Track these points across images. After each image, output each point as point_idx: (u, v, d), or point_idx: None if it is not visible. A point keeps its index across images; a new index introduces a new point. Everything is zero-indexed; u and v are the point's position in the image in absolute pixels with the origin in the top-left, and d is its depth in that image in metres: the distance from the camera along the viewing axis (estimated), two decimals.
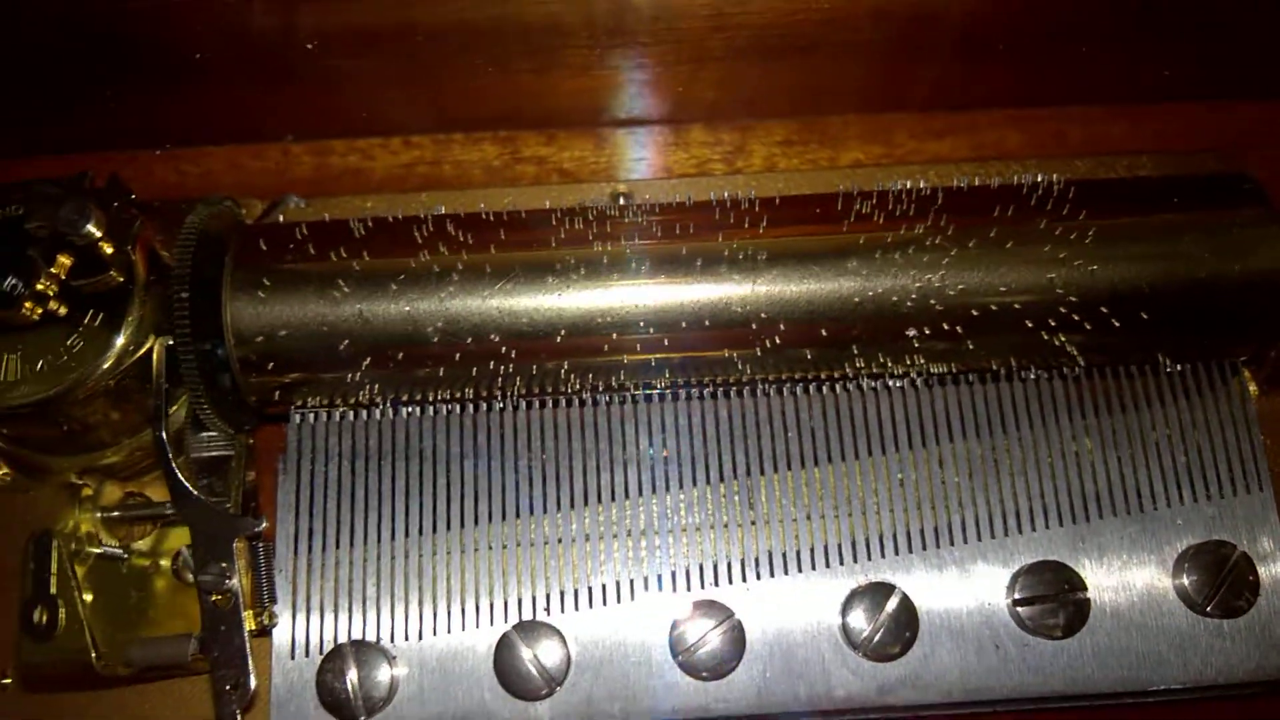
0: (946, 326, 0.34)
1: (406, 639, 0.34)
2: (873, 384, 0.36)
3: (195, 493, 0.34)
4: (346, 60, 0.41)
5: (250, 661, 0.33)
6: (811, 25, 0.40)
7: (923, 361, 0.35)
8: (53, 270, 0.34)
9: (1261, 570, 0.34)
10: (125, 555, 0.36)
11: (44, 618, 0.33)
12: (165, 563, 0.36)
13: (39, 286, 0.34)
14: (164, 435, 0.34)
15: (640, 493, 0.35)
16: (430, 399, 0.36)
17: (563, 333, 0.33)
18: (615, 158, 0.45)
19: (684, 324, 0.34)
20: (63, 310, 0.35)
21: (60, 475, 0.38)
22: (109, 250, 0.34)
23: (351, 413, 0.36)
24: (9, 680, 0.37)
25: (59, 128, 0.44)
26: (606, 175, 0.44)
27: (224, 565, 0.33)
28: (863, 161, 0.45)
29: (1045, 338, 0.34)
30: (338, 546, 0.34)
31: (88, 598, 0.34)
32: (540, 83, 0.42)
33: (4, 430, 0.36)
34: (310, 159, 0.44)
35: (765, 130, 0.45)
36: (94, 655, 0.33)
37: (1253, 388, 0.40)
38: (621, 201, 0.41)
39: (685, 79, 0.43)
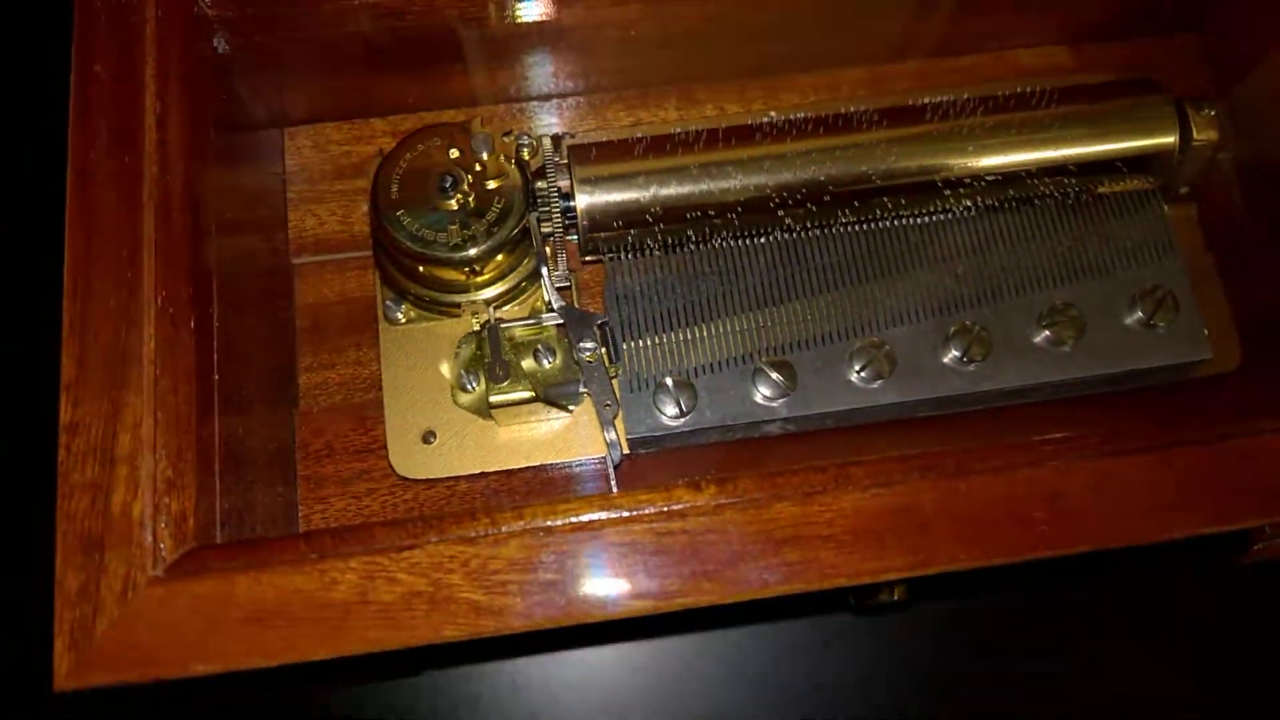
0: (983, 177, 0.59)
1: (698, 376, 0.58)
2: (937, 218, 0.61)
3: (563, 301, 0.57)
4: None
5: (615, 392, 0.57)
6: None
7: (970, 199, 0.60)
8: (468, 177, 0.57)
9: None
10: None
11: (500, 370, 0.56)
12: (528, 352, 0.60)
13: (463, 186, 0.57)
14: (546, 271, 0.57)
15: (828, 287, 0.59)
16: (700, 239, 0.59)
17: (771, 197, 0.58)
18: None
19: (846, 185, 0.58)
20: (472, 201, 0.57)
21: (455, 309, 0.61)
22: (500, 162, 0.57)
23: (646, 253, 0.60)
24: (436, 437, 0.60)
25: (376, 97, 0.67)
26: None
27: (589, 339, 0.57)
28: (909, 89, 0.70)
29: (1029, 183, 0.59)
30: (652, 331, 0.58)
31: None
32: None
33: (425, 277, 0.59)
34: (579, 111, 0.68)
35: (847, 74, 0.70)
36: (530, 389, 0.56)
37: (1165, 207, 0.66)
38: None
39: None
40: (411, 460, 0.59)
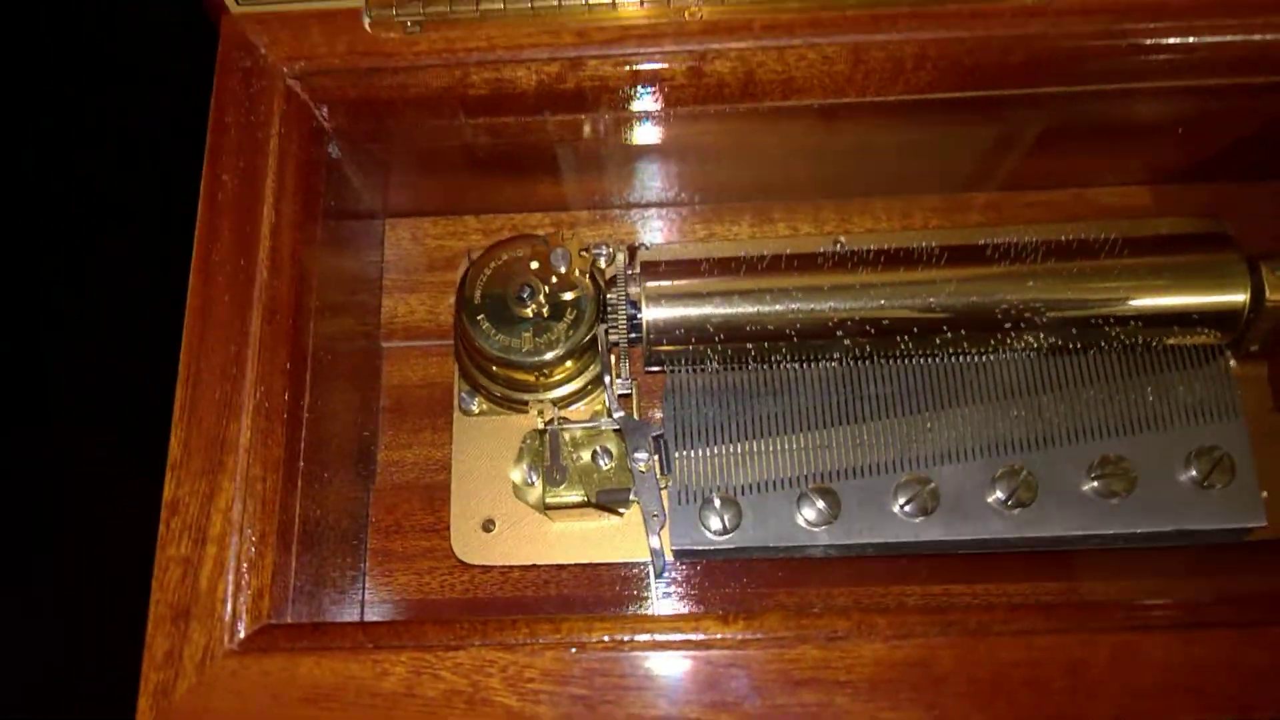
0: (1043, 321, 0.60)
1: (745, 494, 0.60)
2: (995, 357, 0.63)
3: (622, 410, 0.61)
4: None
5: (662, 502, 0.60)
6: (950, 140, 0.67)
7: (1030, 342, 0.62)
8: (545, 287, 0.61)
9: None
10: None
11: (557, 474, 0.60)
12: (586, 455, 0.63)
13: (539, 298, 0.61)
14: (609, 380, 0.61)
15: (880, 416, 0.61)
16: (759, 359, 0.62)
17: (831, 325, 0.60)
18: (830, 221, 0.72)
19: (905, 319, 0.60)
20: (546, 311, 0.62)
21: (522, 406, 0.65)
22: (575, 275, 0.62)
23: (705, 368, 0.63)
24: (495, 526, 0.64)
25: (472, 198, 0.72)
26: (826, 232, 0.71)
27: (644, 449, 0.60)
28: (982, 222, 0.71)
29: (1095, 328, 0.60)
30: (705, 444, 0.61)
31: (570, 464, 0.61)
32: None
33: (498, 375, 0.63)
34: (638, 219, 0.72)
35: (921, 202, 0.72)
36: (584, 495, 0.60)
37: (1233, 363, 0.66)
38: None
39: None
40: (470, 546, 0.63)
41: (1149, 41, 0.56)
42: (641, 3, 0.57)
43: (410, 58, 0.57)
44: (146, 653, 0.47)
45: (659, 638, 0.46)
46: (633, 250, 0.65)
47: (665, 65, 0.57)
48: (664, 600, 0.62)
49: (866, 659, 0.45)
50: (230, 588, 0.48)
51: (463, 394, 0.66)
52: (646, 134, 0.64)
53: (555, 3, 0.57)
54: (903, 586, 0.63)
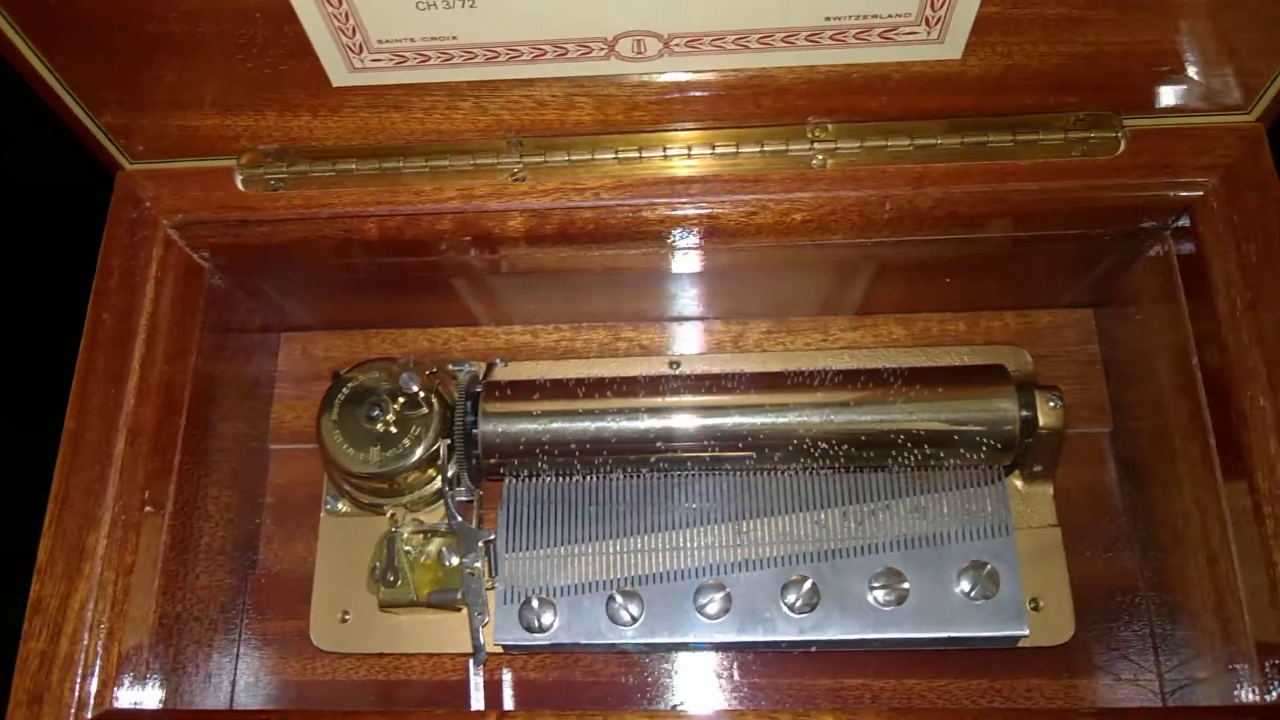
0: (841, 444, 0.68)
1: (562, 595, 0.68)
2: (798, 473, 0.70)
3: (460, 517, 0.69)
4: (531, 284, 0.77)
5: (487, 603, 0.67)
6: (784, 275, 0.75)
7: (830, 462, 0.69)
8: (394, 406, 0.70)
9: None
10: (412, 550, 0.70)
11: (391, 576, 0.67)
12: (433, 549, 0.71)
13: (388, 416, 0.69)
14: (448, 489, 0.69)
15: (686, 525, 0.69)
16: (586, 470, 0.70)
17: (656, 443, 0.68)
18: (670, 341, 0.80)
19: (712, 440, 0.68)
20: (394, 428, 0.70)
21: (379, 509, 0.73)
22: (422, 396, 0.70)
23: (542, 477, 0.71)
24: (350, 617, 0.72)
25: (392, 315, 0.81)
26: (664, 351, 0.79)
27: (474, 554, 0.68)
28: (809, 344, 0.79)
29: (887, 450, 0.67)
30: (530, 547, 0.69)
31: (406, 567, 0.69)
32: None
33: (357, 484, 0.71)
34: (506, 336, 0.80)
35: (755, 325, 0.80)
36: (414, 595, 0.67)
37: (1019, 483, 0.73)
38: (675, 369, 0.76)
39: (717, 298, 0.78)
40: (327, 634, 0.71)
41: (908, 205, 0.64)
42: (475, 167, 0.65)
43: (273, 212, 0.66)
44: None
45: None
46: (489, 366, 0.73)
47: (494, 222, 0.66)
48: (488, 688, 0.69)
49: None
50: (78, 678, 0.56)
51: (329, 496, 0.74)
52: (504, 268, 0.73)
53: (399, 165, 0.65)
54: (714, 680, 0.70)
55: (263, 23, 0.56)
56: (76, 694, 0.56)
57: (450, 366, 0.73)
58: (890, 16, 0.57)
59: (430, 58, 0.59)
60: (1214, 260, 0.61)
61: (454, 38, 0.58)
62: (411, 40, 0.58)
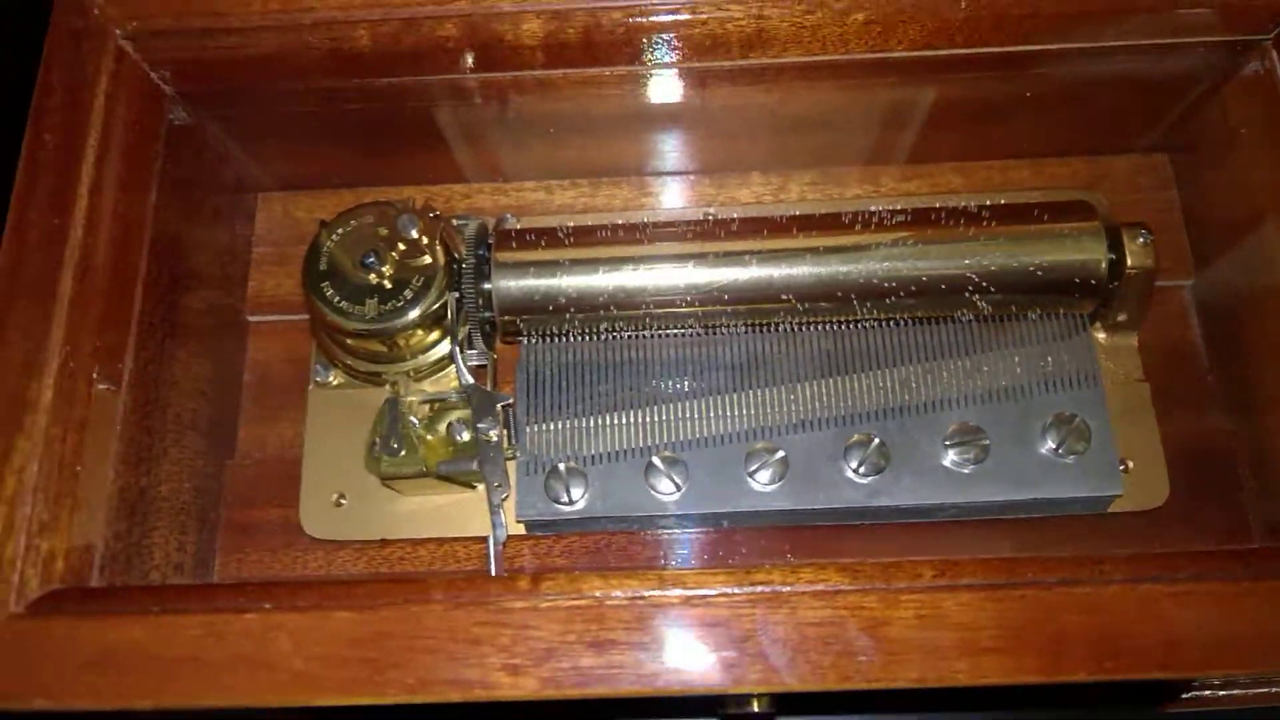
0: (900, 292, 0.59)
1: (593, 464, 0.59)
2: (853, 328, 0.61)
3: (471, 379, 0.59)
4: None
5: (508, 474, 0.58)
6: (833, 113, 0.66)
7: (889, 314, 0.60)
8: (392, 254, 0.60)
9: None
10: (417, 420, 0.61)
11: (395, 444, 0.58)
12: (441, 427, 0.62)
13: (384, 267, 0.59)
14: (458, 350, 0.59)
15: (732, 389, 0.60)
16: (614, 329, 0.61)
17: (686, 297, 0.59)
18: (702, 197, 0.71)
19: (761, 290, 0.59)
20: (392, 278, 0.60)
21: (377, 379, 0.63)
22: (424, 243, 0.60)
23: (560, 339, 0.61)
24: (346, 501, 0.63)
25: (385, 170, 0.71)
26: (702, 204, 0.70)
27: (491, 419, 0.58)
28: (860, 195, 0.70)
29: (954, 297, 0.59)
30: (555, 414, 0.60)
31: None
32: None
33: (350, 346, 0.62)
34: (515, 194, 0.71)
35: (799, 176, 0.71)
36: (423, 466, 0.58)
37: (1100, 335, 0.65)
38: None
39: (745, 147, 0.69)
40: (321, 521, 0.62)
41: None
42: None
43: (245, 18, 0.56)
44: None
45: (459, 596, 0.44)
46: (498, 222, 0.64)
47: (507, 27, 0.56)
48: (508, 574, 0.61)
49: (666, 619, 0.43)
50: (21, 550, 0.46)
51: (317, 365, 0.64)
52: (512, 103, 0.63)
53: None
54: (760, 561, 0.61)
55: None
56: (18, 568, 0.46)
57: (455, 221, 0.63)
58: None
59: None
60: None
61: None
62: None
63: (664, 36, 0.56)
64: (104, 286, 0.52)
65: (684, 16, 0.55)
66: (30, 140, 0.54)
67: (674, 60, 0.58)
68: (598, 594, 0.44)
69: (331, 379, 0.64)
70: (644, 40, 0.57)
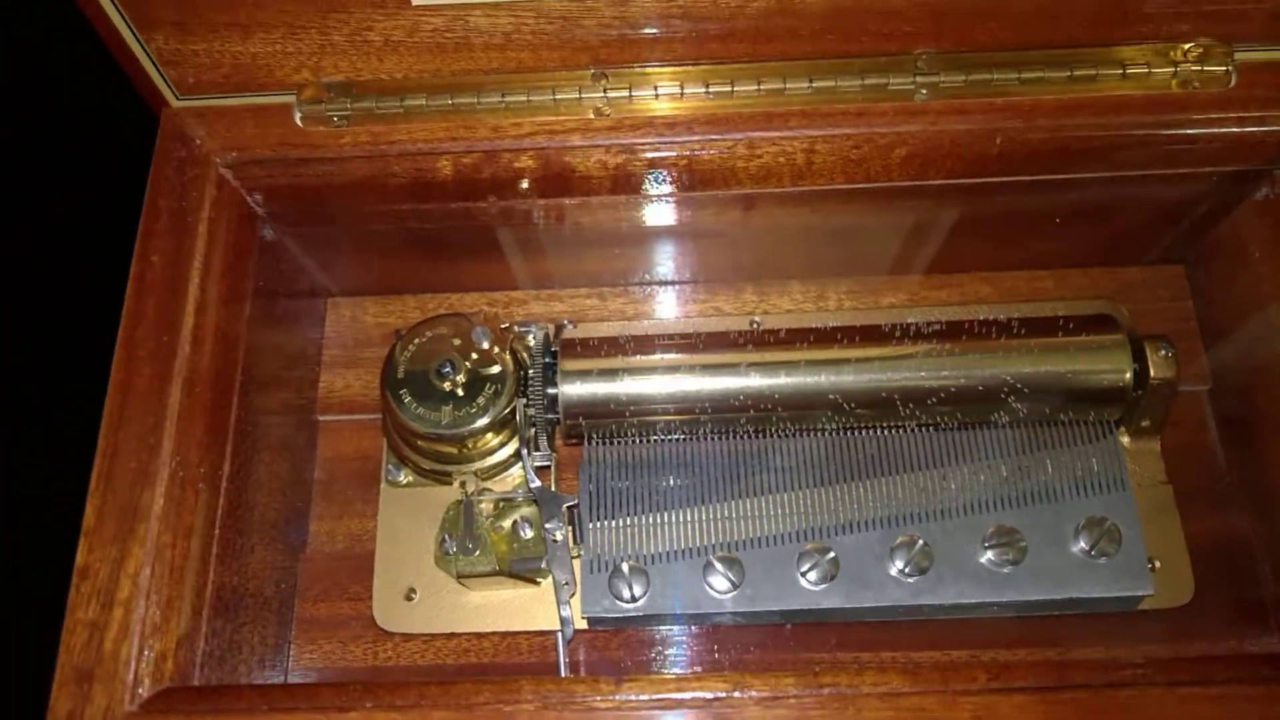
0: (939, 399, 0.63)
1: (653, 563, 0.62)
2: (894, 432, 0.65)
3: (538, 481, 0.63)
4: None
5: (574, 571, 0.62)
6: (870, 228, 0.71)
7: (927, 418, 0.64)
8: (465, 363, 0.64)
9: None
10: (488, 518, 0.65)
11: (470, 544, 0.62)
12: (506, 524, 0.65)
13: (459, 376, 0.64)
14: (526, 452, 0.63)
15: (783, 489, 0.64)
16: (669, 432, 0.65)
17: (739, 401, 0.63)
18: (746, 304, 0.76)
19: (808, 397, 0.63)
20: (466, 386, 0.64)
21: (444, 478, 0.67)
22: (495, 352, 0.65)
23: (620, 441, 0.65)
24: (416, 595, 0.66)
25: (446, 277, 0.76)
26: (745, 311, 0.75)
27: (557, 521, 0.62)
28: (894, 303, 0.75)
29: (989, 404, 0.63)
30: (617, 513, 0.63)
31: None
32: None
33: (422, 448, 0.66)
34: (570, 299, 0.75)
35: (836, 284, 0.75)
36: (495, 565, 0.62)
37: (1125, 439, 0.69)
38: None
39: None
40: (393, 614, 0.65)
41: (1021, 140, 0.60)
42: (554, 101, 0.61)
43: (336, 149, 0.61)
44: (50, 713, 0.48)
45: (548, 697, 0.48)
46: (558, 329, 0.68)
47: (578, 159, 0.61)
48: (572, 669, 0.64)
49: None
50: (134, 651, 0.49)
51: (389, 465, 0.68)
52: (571, 220, 0.68)
53: (474, 100, 0.61)
54: (810, 654, 0.64)
55: None
56: (133, 669, 0.49)
57: (517, 328, 0.67)
58: None
59: None
60: None
61: None
62: None
63: (722, 169, 0.61)
64: (207, 398, 0.56)
65: (741, 152, 0.61)
66: (138, 261, 0.58)
67: (729, 190, 0.63)
68: (675, 694, 0.48)
69: (402, 477, 0.68)
70: (703, 173, 0.62)
